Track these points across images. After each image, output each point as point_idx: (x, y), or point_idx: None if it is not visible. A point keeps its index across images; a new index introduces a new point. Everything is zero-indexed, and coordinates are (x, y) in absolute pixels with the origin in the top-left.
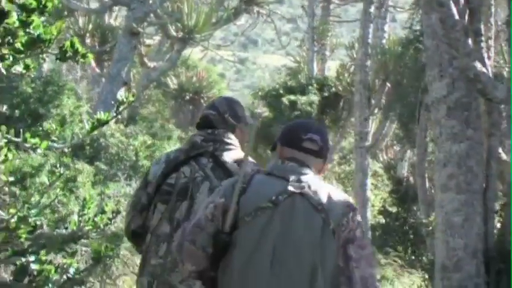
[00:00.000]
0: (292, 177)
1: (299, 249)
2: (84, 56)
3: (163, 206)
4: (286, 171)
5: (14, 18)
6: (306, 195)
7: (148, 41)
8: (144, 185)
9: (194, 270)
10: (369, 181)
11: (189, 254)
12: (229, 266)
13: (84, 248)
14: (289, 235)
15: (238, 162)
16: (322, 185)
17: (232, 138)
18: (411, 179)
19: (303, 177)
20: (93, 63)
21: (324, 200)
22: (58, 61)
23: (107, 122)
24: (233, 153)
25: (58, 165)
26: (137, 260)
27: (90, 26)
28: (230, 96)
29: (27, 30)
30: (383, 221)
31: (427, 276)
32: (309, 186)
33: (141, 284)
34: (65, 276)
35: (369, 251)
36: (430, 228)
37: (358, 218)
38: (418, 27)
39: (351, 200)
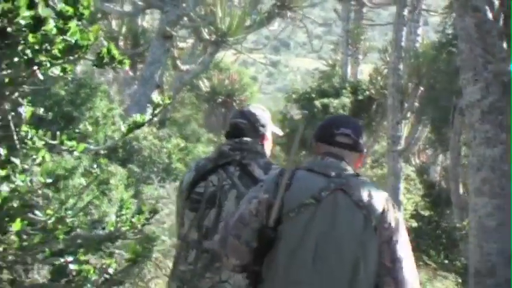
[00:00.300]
0: (333, 174)
1: (341, 246)
2: (120, 62)
3: (193, 213)
4: (326, 167)
5: (51, 25)
6: (347, 191)
7: (181, 44)
8: (179, 193)
9: (238, 264)
10: (402, 185)
11: (233, 249)
12: (273, 261)
13: (117, 251)
14: (331, 231)
15: (266, 168)
16: (361, 181)
17: (259, 147)
18: (443, 183)
19: (343, 173)
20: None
21: (365, 196)
22: (94, 66)
23: (142, 124)
24: (262, 161)
25: (95, 166)
26: (169, 263)
27: (123, 29)
28: (256, 104)
29: (64, 37)
30: (415, 224)
31: (460, 281)
32: (350, 183)
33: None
34: (102, 277)
35: (409, 249)
36: (464, 232)
37: (399, 215)
38: (450, 31)
39: (387, 195)
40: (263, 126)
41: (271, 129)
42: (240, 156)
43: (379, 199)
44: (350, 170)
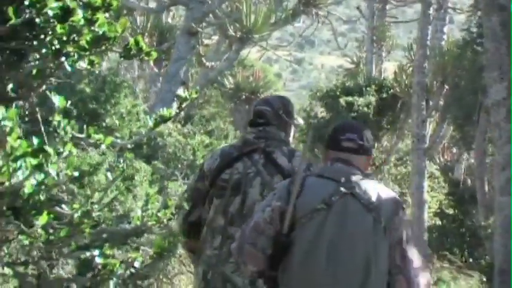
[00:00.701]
0: (342, 178)
1: (353, 248)
2: (148, 54)
3: (218, 200)
4: (335, 172)
5: (79, 16)
6: (356, 195)
7: (206, 41)
8: (201, 177)
9: (255, 270)
10: (426, 183)
11: (250, 256)
12: (288, 265)
13: (142, 247)
14: (342, 234)
15: (290, 155)
16: (370, 184)
17: (282, 135)
18: (468, 181)
19: (352, 178)
20: (151, 63)
21: (374, 199)
22: (119, 60)
23: (169, 119)
24: (285, 149)
25: (121, 161)
26: None
27: (149, 25)
28: (282, 95)
29: (92, 28)
30: (439, 222)
31: (484, 279)
32: (359, 186)
33: (197, 273)
34: (128, 271)
35: (415, 248)
36: (489, 231)
37: (406, 216)
38: (475, 29)
39: (398, 197)
40: (287, 114)
41: (295, 118)
42: (264, 144)
43: (388, 201)
44: (359, 173)
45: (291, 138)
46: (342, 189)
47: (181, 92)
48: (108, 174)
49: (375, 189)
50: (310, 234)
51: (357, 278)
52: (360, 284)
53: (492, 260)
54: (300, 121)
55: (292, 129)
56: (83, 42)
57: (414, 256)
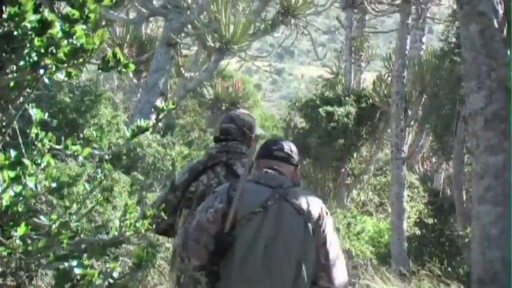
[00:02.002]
0: (276, 185)
1: (286, 247)
2: (126, 66)
3: (187, 210)
4: (270, 179)
5: (57, 29)
6: (289, 200)
7: (185, 52)
8: (173, 189)
9: (198, 264)
10: (405, 193)
11: (194, 251)
12: (229, 261)
13: (121, 258)
14: (277, 235)
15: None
16: (300, 191)
17: (244, 148)
18: (448, 190)
19: (284, 184)
20: (130, 74)
21: (304, 204)
22: (97, 71)
23: (147, 130)
24: (245, 160)
25: (99, 172)
26: None
27: (128, 37)
28: (244, 110)
29: (70, 40)
30: (419, 232)
31: None
32: (291, 193)
33: (172, 278)
34: (107, 282)
35: (339, 248)
36: (467, 240)
37: (331, 219)
38: (453, 39)
39: (323, 204)
40: (250, 129)
41: (257, 134)
42: (226, 158)
43: (315, 206)
44: (289, 181)
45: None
46: (277, 195)
47: (159, 102)
48: (87, 185)
49: (304, 195)
50: (249, 234)
51: (290, 274)
52: (293, 279)
53: (470, 269)
54: (260, 132)
55: (255, 142)
56: (60, 55)
57: (338, 256)
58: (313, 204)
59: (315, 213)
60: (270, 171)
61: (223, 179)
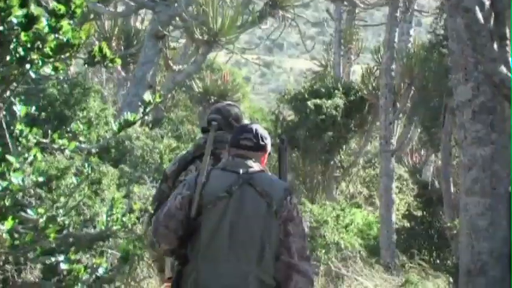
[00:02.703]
0: (241, 171)
1: (250, 228)
2: (112, 60)
3: None
4: (235, 165)
5: (43, 24)
6: (253, 184)
7: (173, 44)
8: (165, 179)
9: (168, 248)
10: (394, 185)
11: (163, 237)
12: (196, 244)
13: (110, 251)
14: (241, 217)
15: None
16: (264, 175)
17: (229, 137)
18: (436, 183)
19: (249, 170)
20: (119, 67)
21: (267, 187)
22: (84, 64)
23: (134, 123)
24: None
25: (86, 166)
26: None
27: (116, 30)
28: (234, 103)
29: (56, 35)
30: (408, 224)
31: (451, 280)
32: (255, 177)
33: (166, 265)
34: (94, 276)
35: (302, 227)
36: (455, 231)
37: (294, 200)
38: (441, 32)
39: (287, 185)
40: (236, 120)
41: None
42: (213, 147)
43: (279, 189)
44: (255, 166)
45: None
46: (241, 180)
47: (147, 95)
48: (74, 179)
49: (268, 179)
50: (215, 218)
51: (254, 255)
52: (257, 258)
53: (458, 260)
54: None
55: None
56: (47, 50)
57: (296, 232)
58: (277, 187)
59: (278, 195)
60: (237, 158)
61: (211, 167)
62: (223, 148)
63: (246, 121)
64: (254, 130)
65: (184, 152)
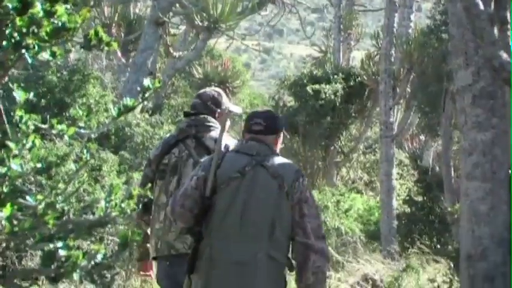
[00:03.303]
0: (254, 153)
1: (261, 208)
2: (108, 44)
3: (161, 181)
4: (249, 148)
5: (38, 8)
6: (265, 166)
7: (173, 31)
8: (148, 164)
9: (185, 226)
10: (394, 170)
11: (180, 215)
12: (210, 222)
13: (110, 237)
14: (253, 197)
15: (216, 139)
16: (276, 158)
17: (212, 121)
18: (437, 168)
19: (262, 153)
20: (119, 53)
21: (279, 169)
22: (83, 50)
23: (133, 108)
24: (213, 133)
25: (85, 152)
26: None
27: (116, 16)
28: (216, 88)
29: (52, 19)
30: (408, 210)
31: (452, 265)
32: (267, 159)
33: (151, 244)
34: (92, 262)
35: (316, 207)
36: (456, 216)
37: (305, 182)
38: (439, 17)
39: (298, 168)
40: (216, 104)
41: (228, 108)
42: (195, 131)
43: (290, 171)
44: (268, 149)
45: (228, 124)
46: (254, 161)
47: (146, 81)
48: (73, 166)
49: (280, 161)
50: (228, 197)
51: (265, 232)
52: (267, 237)
53: (458, 245)
54: (234, 109)
55: (222, 114)
56: (42, 34)
57: (311, 213)
58: (288, 169)
59: (290, 177)
60: (251, 141)
61: (193, 150)
62: (205, 131)
63: (230, 104)
64: (264, 115)
65: (167, 136)
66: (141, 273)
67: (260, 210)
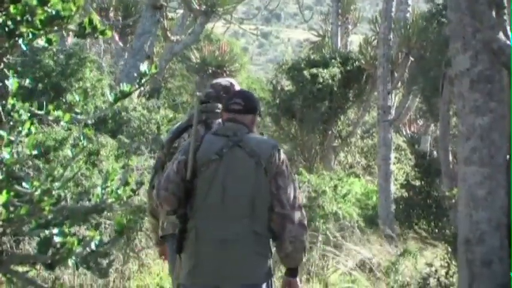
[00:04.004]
0: (231, 134)
1: (240, 186)
2: (102, 32)
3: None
4: (226, 129)
5: None
6: (241, 146)
7: (171, 15)
8: (161, 147)
9: (170, 209)
10: (392, 155)
11: (165, 199)
12: (194, 203)
13: (108, 222)
14: (231, 177)
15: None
16: (252, 137)
17: (220, 108)
18: (435, 153)
19: (238, 133)
20: (117, 37)
21: (255, 147)
22: (76, 37)
23: (130, 94)
24: (220, 119)
25: (81, 138)
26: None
27: (114, 0)
28: (229, 78)
29: (45, 8)
30: (406, 194)
31: (450, 250)
32: (243, 139)
33: (160, 227)
34: (88, 249)
35: (292, 180)
36: (453, 201)
37: (282, 155)
38: (440, 1)
39: (275, 143)
40: (225, 92)
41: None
42: (205, 117)
43: (266, 148)
44: (244, 129)
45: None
46: (231, 142)
47: (145, 66)
48: (69, 152)
49: (256, 140)
50: (208, 179)
51: (246, 210)
52: (248, 214)
53: (456, 229)
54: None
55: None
56: (36, 22)
57: (287, 185)
58: (264, 146)
59: (266, 154)
60: (228, 122)
61: (204, 133)
62: (214, 117)
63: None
64: (243, 94)
65: (180, 122)
66: (163, 257)
67: (240, 189)
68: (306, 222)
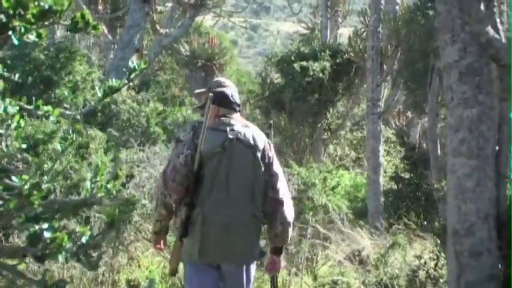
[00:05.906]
0: (228, 129)
1: (241, 175)
2: (95, 27)
3: None
4: (223, 125)
5: None
6: (239, 139)
7: (160, 8)
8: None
9: (177, 198)
10: (382, 147)
11: (172, 189)
12: (200, 192)
13: (97, 215)
14: (233, 167)
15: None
16: (248, 130)
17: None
18: (424, 145)
19: (235, 127)
20: (105, 30)
21: (251, 140)
22: (68, 31)
23: (118, 90)
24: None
25: (70, 132)
26: (149, 226)
27: None
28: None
29: (38, 2)
30: (395, 186)
31: (438, 242)
32: (240, 133)
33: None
34: (78, 243)
35: (279, 166)
36: (442, 193)
37: (271, 143)
38: None
39: (265, 136)
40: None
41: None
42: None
43: (260, 140)
44: (239, 123)
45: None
46: (230, 136)
47: (134, 59)
48: (58, 145)
49: (251, 133)
50: (213, 169)
51: (246, 197)
52: (249, 200)
53: (445, 221)
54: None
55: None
56: (29, 17)
57: (278, 172)
58: (259, 139)
59: (260, 145)
60: (222, 118)
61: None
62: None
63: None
64: (230, 92)
65: (194, 121)
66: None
67: (241, 178)
68: (292, 207)
